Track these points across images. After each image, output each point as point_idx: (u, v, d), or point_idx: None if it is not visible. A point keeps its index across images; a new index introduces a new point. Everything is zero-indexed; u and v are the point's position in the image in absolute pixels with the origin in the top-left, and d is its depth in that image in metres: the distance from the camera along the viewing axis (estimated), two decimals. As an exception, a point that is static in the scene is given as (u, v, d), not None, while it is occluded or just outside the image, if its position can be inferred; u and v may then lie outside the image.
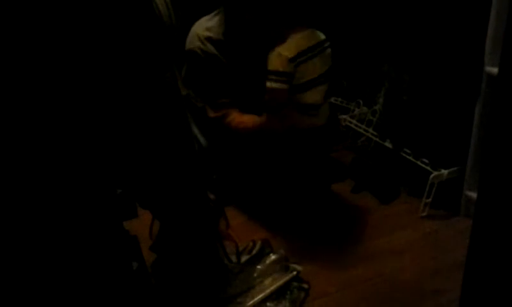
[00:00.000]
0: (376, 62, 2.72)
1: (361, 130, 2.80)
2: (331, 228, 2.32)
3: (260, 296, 1.86)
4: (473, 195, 2.25)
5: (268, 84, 2.10)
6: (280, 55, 2.09)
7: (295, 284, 1.94)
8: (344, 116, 2.89)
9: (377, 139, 2.70)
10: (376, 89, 2.77)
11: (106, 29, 1.26)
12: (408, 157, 2.48)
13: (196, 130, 1.72)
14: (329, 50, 2.26)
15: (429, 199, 2.37)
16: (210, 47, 2.19)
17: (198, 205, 1.74)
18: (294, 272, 1.96)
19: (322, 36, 2.24)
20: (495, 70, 2.02)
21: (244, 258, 1.98)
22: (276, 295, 1.88)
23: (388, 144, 2.63)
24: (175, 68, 1.66)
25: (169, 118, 1.50)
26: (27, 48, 1.08)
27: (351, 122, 2.87)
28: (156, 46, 1.41)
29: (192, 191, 1.70)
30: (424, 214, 2.38)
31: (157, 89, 1.42)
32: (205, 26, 2.22)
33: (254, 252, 2.04)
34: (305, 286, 1.94)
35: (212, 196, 1.83)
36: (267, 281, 1.92)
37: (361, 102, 2.86)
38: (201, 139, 1.78)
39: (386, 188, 2.53)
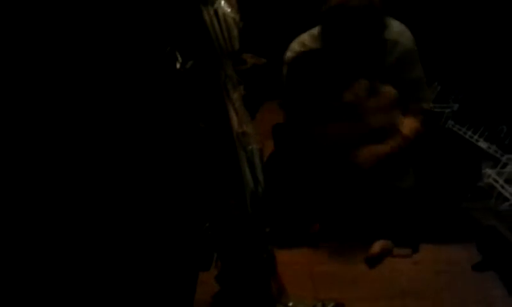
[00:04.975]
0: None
1: (507, 195, 2.26)
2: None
3: None
4: None
5: None
6: None
7: None
8: (490, 171, 2.37)
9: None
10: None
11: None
12: None
13: (248, 174, 1.47)
14: None
15: None
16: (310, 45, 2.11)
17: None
18: None
19: None
20: None
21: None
22: None
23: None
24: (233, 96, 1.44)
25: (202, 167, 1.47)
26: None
27: (496, 180, 2.33)
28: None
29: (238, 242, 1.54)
30: None
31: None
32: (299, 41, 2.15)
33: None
34: None
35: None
36: None
37: (516, 157, 2.37)
38: (256, 183, 1.50)
39: (522, 277, 1.96)
